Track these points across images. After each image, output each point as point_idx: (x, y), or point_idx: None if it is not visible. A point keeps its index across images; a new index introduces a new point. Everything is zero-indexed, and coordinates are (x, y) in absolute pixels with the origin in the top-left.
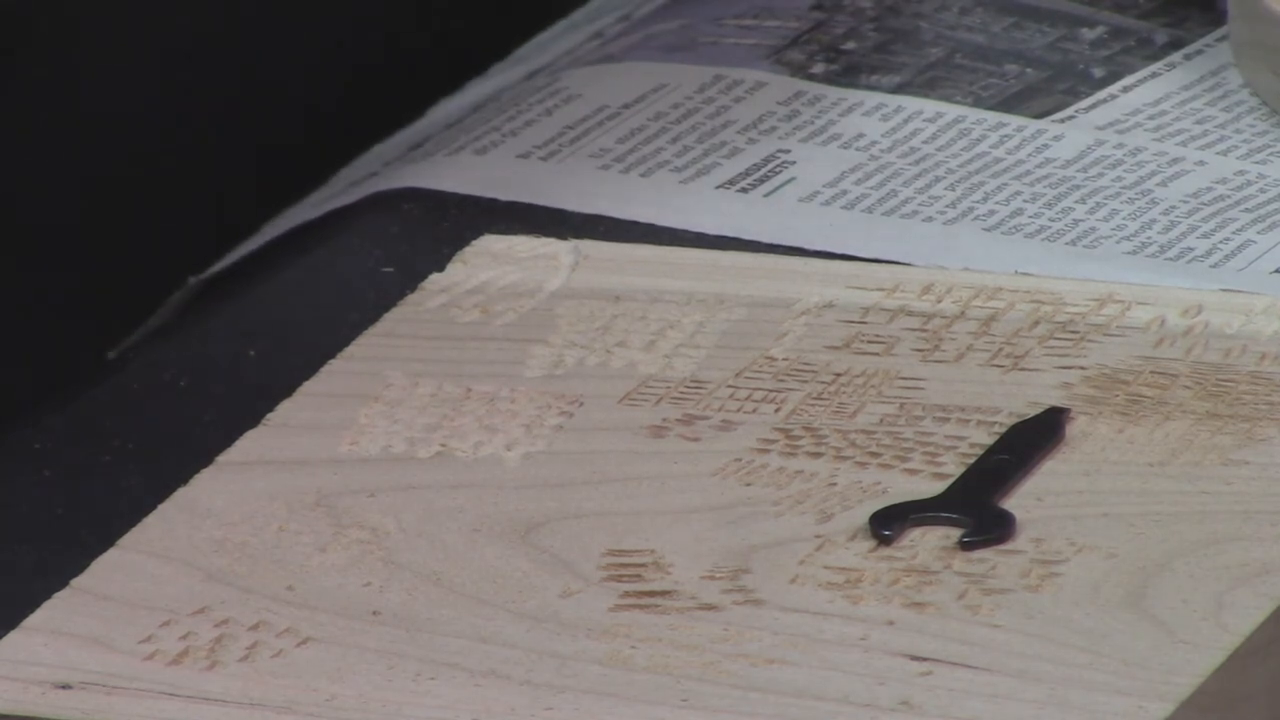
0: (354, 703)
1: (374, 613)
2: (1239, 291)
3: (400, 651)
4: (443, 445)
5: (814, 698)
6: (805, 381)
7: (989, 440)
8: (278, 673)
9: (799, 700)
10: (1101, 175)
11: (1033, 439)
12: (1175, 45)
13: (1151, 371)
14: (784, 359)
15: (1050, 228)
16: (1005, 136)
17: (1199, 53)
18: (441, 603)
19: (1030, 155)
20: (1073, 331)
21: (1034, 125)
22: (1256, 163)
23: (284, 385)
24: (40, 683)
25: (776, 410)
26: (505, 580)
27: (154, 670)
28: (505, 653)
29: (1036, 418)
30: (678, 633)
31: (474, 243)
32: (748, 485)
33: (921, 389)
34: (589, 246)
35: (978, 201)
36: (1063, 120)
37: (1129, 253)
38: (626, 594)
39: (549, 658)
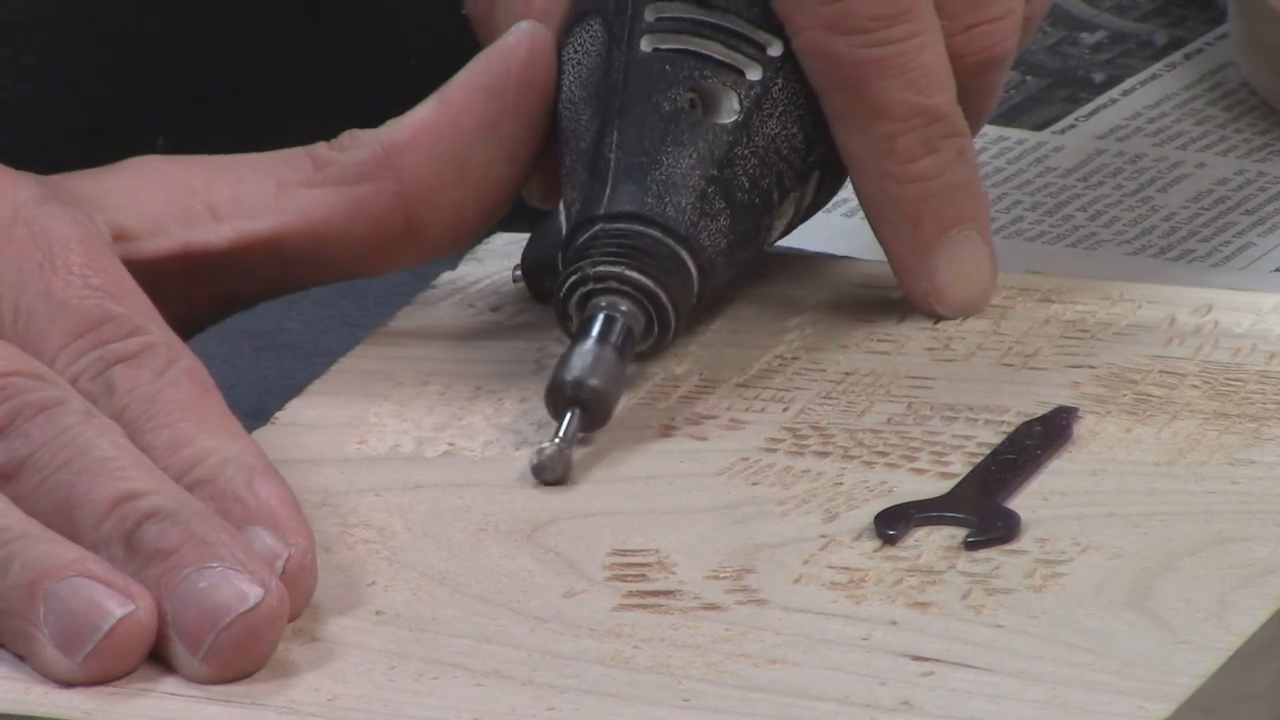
0: (355, 703)
1: (378, 612)
2: (1248, 290)
3: (403, 651)
4: (451, 444)
5: (815, 698)
6: (814, 381)
7: (996, 439)
8: (280, 672)
9: (799, 700)
10: (1102, 183)
11: (1040, 438)
12: (1175, 45)
13: (1160, 371)
14: (793, 358)
15: (1051, 233)
16: (1006, 149)
17: (1199, 51)
18: (445, 602)
19: (1031, 165)
20: (1082, 330)
21: (1034, 137)
22: (1257, 161)
23: (292, 385)
24: (41, 681)
25: (785, 410)
26: (510, 580)
27: (155, 669)
28: (508, 653)
29: (1044, 417)
30: (680, 633)
31: (486, 241)
32: (754, 485)
33: (930, 388)
34: None
35: None
36: (1063, 131)
37: (1129, 254)
38: (630, 594)
39: (551, 658)
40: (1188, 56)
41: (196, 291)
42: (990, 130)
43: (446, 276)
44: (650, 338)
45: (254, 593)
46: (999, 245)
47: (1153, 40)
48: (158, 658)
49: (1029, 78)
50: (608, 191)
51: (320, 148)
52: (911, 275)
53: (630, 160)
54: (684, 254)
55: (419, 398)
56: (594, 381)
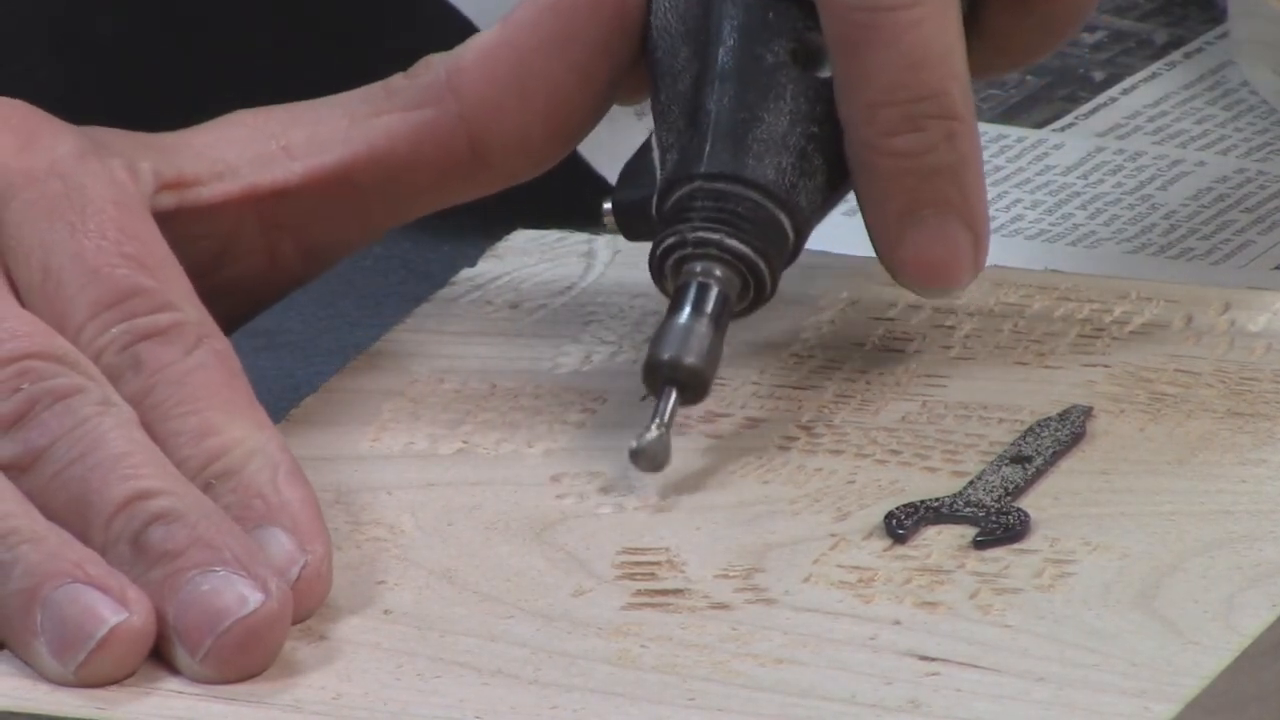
0: (360, 701)
1: (386, 611)
2: (1265, 290)
3: (410, 650)
4: (464, 442)
5: (820, 698)
6: (829, 379)
7: (1010, 438)
8: (286, 671)
9: (805, 700)
10: (1102, 181)
11: (1053, 437)
12: (1175, 44)
13: (1175, 370)
14: (809, 356)
15: (1051, 231)
16: (1005, 147)
17: (1199, 51)
18: (454, 601)
19: (1030, 164)
20: (1098, 329)
21: (1034, 135)
22: (1257, 160)
23: (292, 385)
24: (44, 679)
25: (799, 408)
26: (519, 578)
27: (160, 667)
28: (514, 651)
29: (1058, 416)
30: (688, 632)
31: (507, 237)
32: (766, 483)
33: (945, 386)
34: (622, 242)
35: None
36: (1062, 129)
37: (1129, 252)
38: (639, 592)
39: (558, 656)
40: (1188, 55)
41: (279, 241)
42: (990, 129)
43: (466, 273)
44: (745, 300)
45: (255, 597)
46: (999, 244)
47: (1153, 39)
48: (162, 658)
49: (1029, 76)
50: (707, 148)
51: (395, 78)
52: (877, 244)
53: (731, 116)
54: (782, 216)
55: (434, 395)
56: (690, 360)
